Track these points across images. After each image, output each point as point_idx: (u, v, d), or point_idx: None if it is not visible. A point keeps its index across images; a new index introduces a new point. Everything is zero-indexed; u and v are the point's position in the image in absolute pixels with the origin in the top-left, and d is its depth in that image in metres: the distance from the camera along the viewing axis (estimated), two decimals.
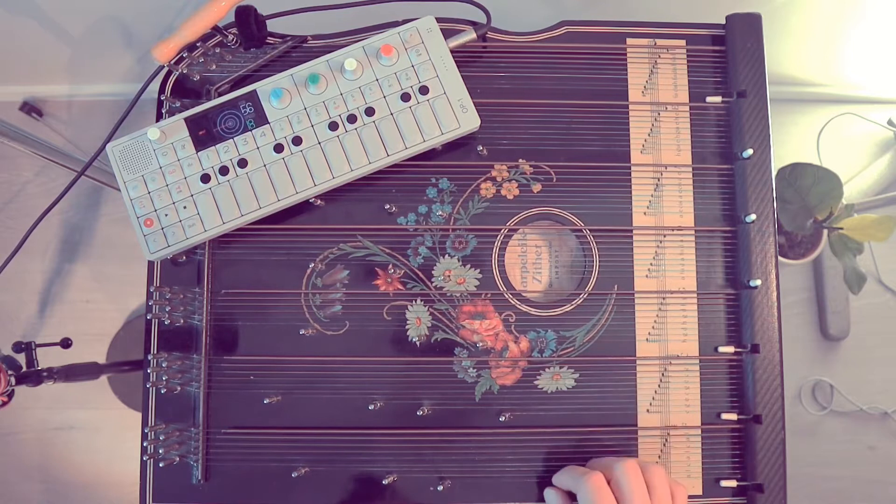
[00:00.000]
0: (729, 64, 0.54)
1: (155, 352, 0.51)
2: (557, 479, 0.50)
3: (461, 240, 0.53)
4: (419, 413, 0.51)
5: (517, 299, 0.53)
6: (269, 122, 0.51)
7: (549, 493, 0.50)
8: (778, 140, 1.15)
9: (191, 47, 0.52)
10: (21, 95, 1.15)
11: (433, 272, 0.52)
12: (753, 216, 0.52)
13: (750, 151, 0.52)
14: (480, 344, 0.52)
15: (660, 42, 0.55)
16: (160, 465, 0.50)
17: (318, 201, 0.52)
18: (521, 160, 0.54)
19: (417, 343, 0.52)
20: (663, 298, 0.53)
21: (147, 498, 0.50)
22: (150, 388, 0.51)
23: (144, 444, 0.50)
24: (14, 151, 0.93)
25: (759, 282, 0.52)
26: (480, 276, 0.53)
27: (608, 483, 0.47)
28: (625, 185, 0.54)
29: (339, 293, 0.52)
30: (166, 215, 0.50)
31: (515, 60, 0.55)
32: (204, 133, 0.50)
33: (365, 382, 0.52)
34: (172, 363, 0.51)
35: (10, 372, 0.63)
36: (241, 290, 0.52)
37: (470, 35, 0.53)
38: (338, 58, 0.51)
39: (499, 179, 0.53)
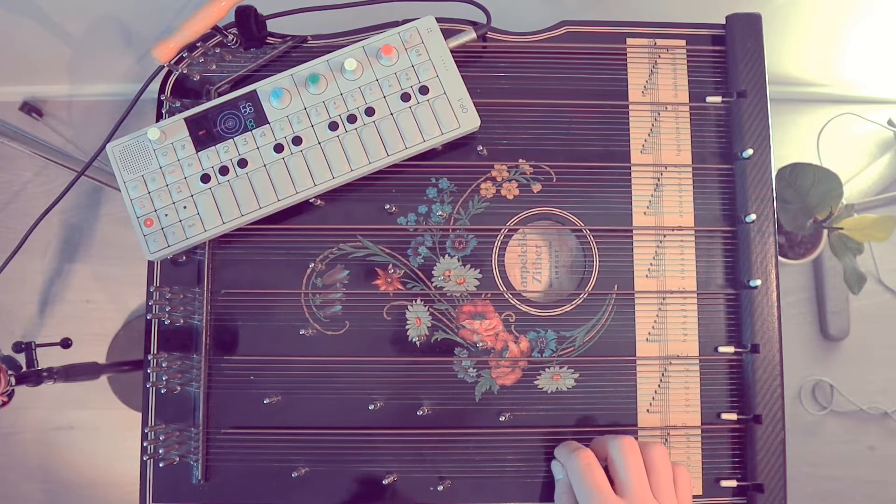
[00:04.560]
0: (729, 64, 0.54)
1: (155, 352, 0.51)
2: (557, 452, 0.50)
3: (461, 240, 0.53)
4: (419, 413, 0.51)
5: (517, 299, 0.53)
6: (269, 122, 0.51)
7: (555, 466, 0.50)
8: (778, 140, 1.15)
9: (191, 47, 0.52)
10: (21, 95, 1.15)
11: (433, 272, 0.52)
12: (753, 216, 0.52)
13: (750, 151, 0.52)
14: (480, 344, 0.52)
15: (660, 42, 0.55)
16: (160, 465, 0.50)
17: (318, 201, 0.52)
18: (521, 160, 0.54)
19: (417, 343, 0.52)
20: (663, 298, 0.53)
21: (147, 498, 0.50)
22: (150, 388, 0.51)
23: (144, 444, 0.50)
24: (14, 151, 0.93)
25: (759, 282, 0.52)
26: (480, 276, 0.53)
27: (606, 462, 0.46)
28: (625, 185, 0.54)
29: (339, 293, 0.52)
30: (166, 215, 0.50)
31: (515, 60, 0.55)
32: (204, 133, 0.50)
33: (365, 382, 0.52)
34: (172, 363, 0.51)
35: (10, 372, 0.63)
36: (241, 290, 0.52)
37: (470, 35, 0.53)
38: (338, 58, 0.51)
39: (499, 179, 0.53)
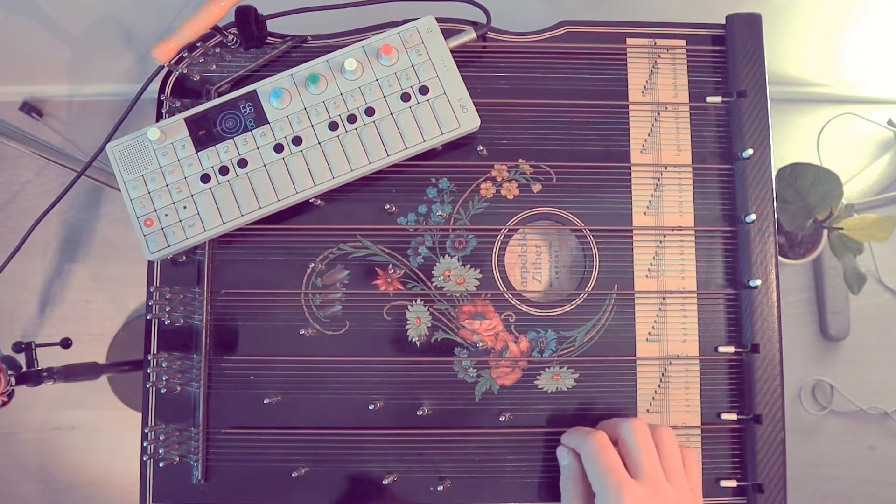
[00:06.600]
0: (729, 64, 0.54)
1: (155, 352, 0.51)
2: (565, 439, 0.50)
3: (461, 240, 0.53)
4: (419, 413, 0.51)
5: (517, 299, 0.53)
6: (269, 122, 0.51)
7: (561, 452, 0.50)
8: (778, 140, 1.15)
9: (191, 47, 0.52)
10: (21, 95, 1.15)
11: (433, 272, 0.52)
12: (753, 216, 0.52)
13: (750, 151, 0.52)
14: (480, 344, 0.52)
15: (660, 42, 0.55)
16: (160, 465, 0.50)
17: (318, 201, 0.52)
18: (521, 160, 0.54)
19: (417, 343, 0.52)
20: (663, 298, 0.53)
21: (147, 498, 0.50)
22: (150, 388, 0.51)
23: (144, 444, 0.50)
24: (14, 151, 0.93)
25: (759, 282, 0.52)
26: (480, 276, 0.53)
27: (616, 444, 0.47)
28: (625, 185, 0.54)
29: (339, 293, 0.52)
30: (166, 215, 0.50)
31: (515, 60, 0.55)
32: (204, 133, 0.50)
33: (365, 382, 0.52)
34: (172, 363, 0.51)
35: (10, 372, 0.63)
36: (241, 290, 0.52)
37: (470, 35, 0.53)
38: (338, 58, 0.51)
39: (499, 179, 0.53)
